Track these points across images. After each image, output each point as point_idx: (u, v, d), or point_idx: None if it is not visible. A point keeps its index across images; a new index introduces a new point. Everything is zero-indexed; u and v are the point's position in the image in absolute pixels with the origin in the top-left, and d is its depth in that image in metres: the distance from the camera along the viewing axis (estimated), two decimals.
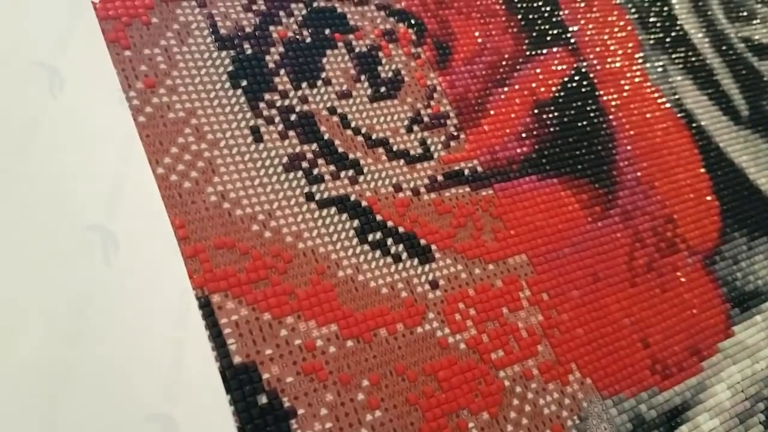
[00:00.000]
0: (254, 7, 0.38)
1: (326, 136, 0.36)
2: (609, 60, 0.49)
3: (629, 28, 0.52)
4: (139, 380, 0.26)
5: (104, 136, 0.31)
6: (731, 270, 0.44)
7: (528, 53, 0.46)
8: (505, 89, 0.44)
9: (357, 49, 0.40)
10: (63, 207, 0.28)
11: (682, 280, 0.42)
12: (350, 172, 0.36)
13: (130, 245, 0.29)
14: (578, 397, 0.35)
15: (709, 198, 0.46)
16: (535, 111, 0.44)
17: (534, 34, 0.47)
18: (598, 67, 0.48)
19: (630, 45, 0.51)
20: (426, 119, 0.39)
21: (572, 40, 0.48)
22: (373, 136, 0.37)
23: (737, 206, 0.47)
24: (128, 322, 0.27)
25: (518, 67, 0.45)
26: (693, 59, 0.53)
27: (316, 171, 0.35)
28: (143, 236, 0.29)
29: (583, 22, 0.50)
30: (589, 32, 0.50)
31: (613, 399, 0.36)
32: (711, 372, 0.39)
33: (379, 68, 0.40)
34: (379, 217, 0.35)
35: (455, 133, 0.40)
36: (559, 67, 0.47)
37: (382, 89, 0.39)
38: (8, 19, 0.31)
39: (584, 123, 0.45)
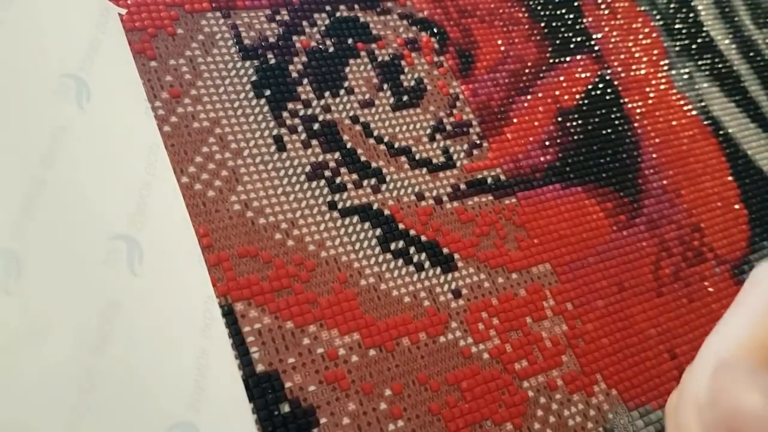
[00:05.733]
0: (278, 18, 0.38)
1: (349, 145, 0.36)
2: (634, 67, 0.49)
3: (654, 34, 0.51)
4: (164, 388, 0.26)
5: (130, 146, 0.31)
6: None
7: (551, 61, 0.46)
8: (528, 97, 0.43)
9: (380, 58, 0.40)
10: (90, 216, 0.28)
11: (710, 290, 0.41)
12: (373, 181, 0.36)
13: (154, 254, 0.29)
14: (604, 409, 0.34)
15: (737, 206, 0.46)
16: (559, 119, 0.43)
17: (557, 41, 0.47)
18: (623, 75, 0.48)
19: (655, 52, 0.50)
20: (449, 128, 0.39)
21: (596, 48, 0.48)
22: (396, 145, 0.37)
23: (767, 214, 0.46)
24: (153, 330, 0.27)
25: (541, 75, 0.45)
26: (720, 66, 0.53)
27: (338, 180, 0.35)
28: (168, 245, 0.30)
29: (607, 29, 0.49)
30: (613, 39, 0.49)
31: (639, 410, 0.35)
32: None
33: (402, 77, 0.40)
34: (401, 226, 0.35)
35: (478, 142, 0.40)
36: (583, 75, 0.46)
37: (405, 98, 0.39)
38: (37, 32, 0.31)
39: (609, 131, 0.45)
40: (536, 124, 0.42)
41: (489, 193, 0.38)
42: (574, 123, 0.44)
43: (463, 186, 0.38)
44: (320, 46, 0.39)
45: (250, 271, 0.31)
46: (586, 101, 0.45)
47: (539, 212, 0.39)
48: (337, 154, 0.36)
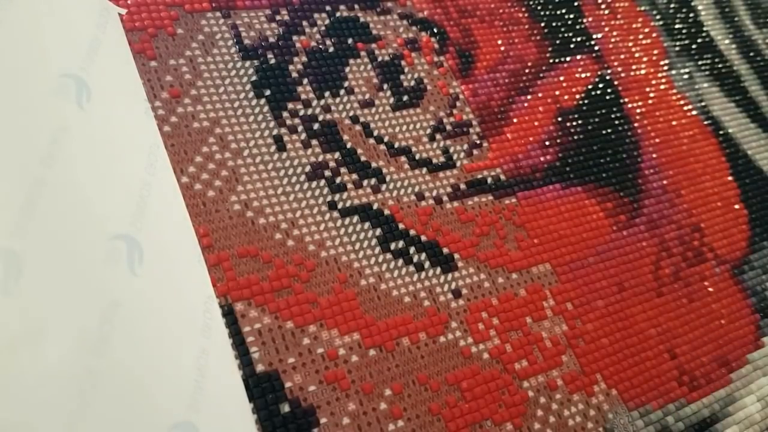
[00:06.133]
0: (278, 18, 0.38)
1: (349, 145, 0.36)
2: (634, 67, 0.49)
3: (654, 34, 0.51)
4: (164, 388, 0.26)
5: (130, 146, 0.31)
6: (761, 279, 0.43)
7: (551, 61, 0.46)
8: (528, 97, 0.43)
9: (380, 58, 0.40)
10: (90, 216, 0.28)
11: (710, 290, 0.41)
12: (373, 181, 0.36)
13: (154, 254, 0.29)
14: (603, 409, 0.34)
15: (737, 206, 0.46)
16: (559, 119, 0.43)
17: (557, 41, 0.47)
18: (623, 75, 0.48)
19: (655, 52, 0.50)
20: (449, 127, 0.39)
21: (596, 48, 0.48)
22: (396, 145, 0.37)
23: (767, 214, 0.46)
24: (153, 330, 0.27)
25: (541, 75, 0.45)
26: (720, 66, 0.53)
27: (338, 180, 0.35)
28: (168, 245, 0.30)
29: (607, 29, 0.49)
30: (613, 39, 0.49)
31: (639, 410, 0.35)
32: (740, 384, 0.38)
33: (402, 77, 0.40)
34: (401, 226, 0.35)
35: (478, 142, 0.40)
36: (583, 75, 0.46)
37: (405, 98, 0.39)
38: (37, 32, 0.31)
39: (609, 131, 0.45)
40: (536, 124, 0.42)
41: (489, 193, 0.38)
42: (574, 123, 0.44)
43: (463, 186, 0.38)
44: (320, 46, 0.39)
45: (250, 271, 0.31)
46: (586, 101, 0.45)
47: (539, 212, 0.39)
48: (337, 154, 0.36)
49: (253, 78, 0.36)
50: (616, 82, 0.47)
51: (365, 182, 0.35)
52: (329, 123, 0.36)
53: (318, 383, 0.29)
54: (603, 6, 0.51)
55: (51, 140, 0.29)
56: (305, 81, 0.37)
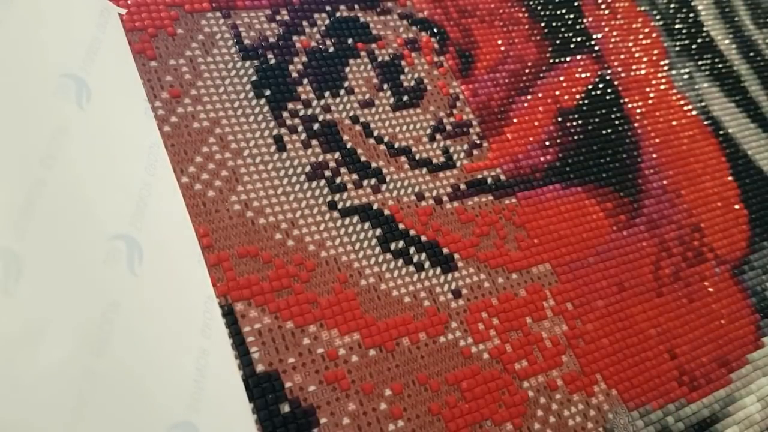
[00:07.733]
0: (278, 18, 0.38)
1: (349, 145, 0.36)
2: (634, 67, 0.49)
3: (654, 35, 0.51)
4: (163, 388, 0.26)
5: (130, 146, 0.31)
6: (761, 280, 0.43)
7: (551, 61, 0.46)
8: (528, 97, 0.43)
9: (380, 58, 0.40)
10: (89, 216, 0.28)
11: (710, 290, 0.41)
12: (373, 181, 0.36)
13: (154, 254, 0.29)
14: (604, 409, 0.34)
15: (737, 206, 0.46)
16: (559, 119, 0.43)
17: (557, 41, 0.47)
18: (623, 75, 0.48)
19: (655, 52, 0.50)
20: (449, 128, 0.39)
21: (596, 48, 0.48)
22: (396, 145, 0.37)
23: (767, 214, 0.46)
24: (152, 330, 0.27)
25: (541, 75, 0.45)
26: (720, 66, 0.53)
27: (338, 180, 0.35)
28: (168, 245, 0.30)
29: (607, 29, 0.49)
30: (613, 39, 0.49)
31: (639, 411, 0.35)
32: (740, 384, 0.38)
33: (402, 77, 0.40)
34: (401, 226, 0.35)
35: (478, 142, 0.40)
36: (583, 75, 0.46)
37: (405, 98, 0.39)
38: (37, 32, 0.31)
39: (609, 131, 0.45)
40: (536, 124, 0.42)
41: (489, 193, 0.38)
42: (574, 123, 0.44)
43: (463, 186, 0.38)
44: (320, 46, 0.39)
45: (250, 271, 0.31)
46: (586, 101, 0.45)
47: (539, 212, 0.39)
48: (337, 154, 0.36)
49: (253, 78, 0.36)
50: (616, 82, 0.47)
51: (365, 182, 0.35)
52: (329, 123, 0.36)
53: (318, 383, 0.29)
54: (603, 6, 0.51)
55: (51, 140, 0.29)
56: (305, 81, 0.37)
